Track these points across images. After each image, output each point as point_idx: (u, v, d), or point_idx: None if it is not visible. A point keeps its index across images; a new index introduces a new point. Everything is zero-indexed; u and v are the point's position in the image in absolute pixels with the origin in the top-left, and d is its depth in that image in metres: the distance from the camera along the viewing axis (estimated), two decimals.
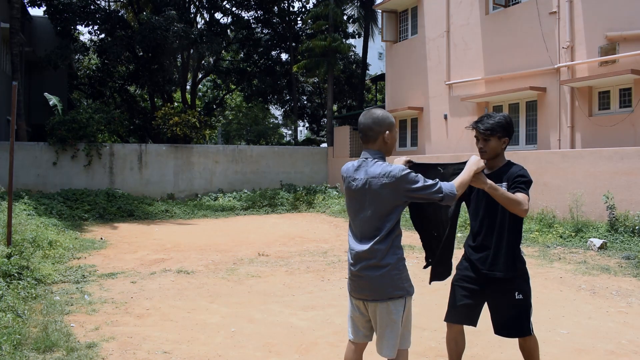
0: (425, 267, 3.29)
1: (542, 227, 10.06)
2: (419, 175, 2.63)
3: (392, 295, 2.65)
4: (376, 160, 2.71)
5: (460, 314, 3.21)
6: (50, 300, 5.51)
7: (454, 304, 3.23)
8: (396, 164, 2.84)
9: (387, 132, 2.77)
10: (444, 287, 6.64)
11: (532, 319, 3.17)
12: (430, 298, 5.90)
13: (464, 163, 2.95)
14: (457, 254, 3.22)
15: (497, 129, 3.09)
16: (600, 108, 11.50)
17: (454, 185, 2.68)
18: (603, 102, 11.45)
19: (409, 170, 2.62)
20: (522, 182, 3.02)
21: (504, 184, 3.05)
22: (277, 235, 11.31)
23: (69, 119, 16.07)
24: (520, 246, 3.22)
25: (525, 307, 3.10)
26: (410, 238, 10.66)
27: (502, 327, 3.16)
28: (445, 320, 3.29)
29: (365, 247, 2.66)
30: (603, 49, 11.16)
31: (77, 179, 16.37)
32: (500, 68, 13.63)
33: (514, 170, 3.09)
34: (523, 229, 3.29)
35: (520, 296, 3.08)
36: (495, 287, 3.12)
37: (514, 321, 3.11)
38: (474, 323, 3.21)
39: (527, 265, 3.23)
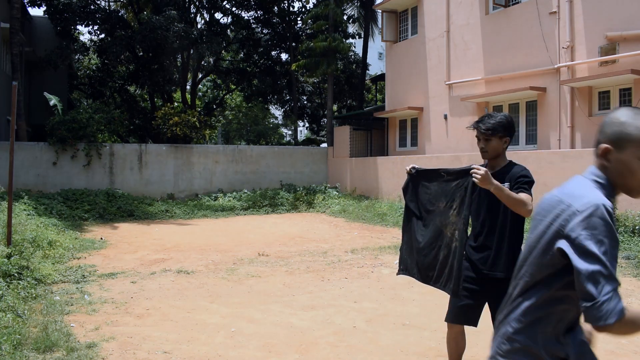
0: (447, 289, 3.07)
1: None
2: (606, 241, 1.46)
3: None
4: (586, 181, 1.63)
5: (460, 314, 3.21)
6: (50, 300, 5.51)
7: (455, 304, 3.22)
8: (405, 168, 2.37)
9: None
10: None
11: None
12: (430, 298, 5.90)
13: (469, 168, 2.91)
14: None
15: (498, 129, 3.09)
16: (600, 108, 11.49)
17: (625, 313, 1.42)
18: (603, 102, 11.45)
19: (603, 220, 1.47)
20: (525, 182, 3.01)
21: (507, 184, 3.05)
22: (277, 235, 11.30)
23: (69, 119, 16.07)
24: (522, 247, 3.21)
25: None
26: None
27: None
28: (445, 321, 3.29)
29: None
30: (603, 49, 11.16)
31: (77, 179, 16.37)
32: (500, 68, 13.63)
33: (516, 170, 3.08)
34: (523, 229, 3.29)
35: None
36: (496, 288, 3.11)
37: None
38: (474, 323, 3.21)
39: None
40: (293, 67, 21.60)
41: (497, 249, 3.09)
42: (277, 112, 35.02)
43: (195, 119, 18.81)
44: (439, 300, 5.80)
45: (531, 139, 13.04)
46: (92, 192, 15.62)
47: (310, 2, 25.01)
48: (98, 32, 21.83)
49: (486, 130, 3.11)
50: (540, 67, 12.45)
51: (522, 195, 2.92)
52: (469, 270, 3.20)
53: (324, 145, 26.12)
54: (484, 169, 2.84)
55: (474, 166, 2.86)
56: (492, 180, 2.83)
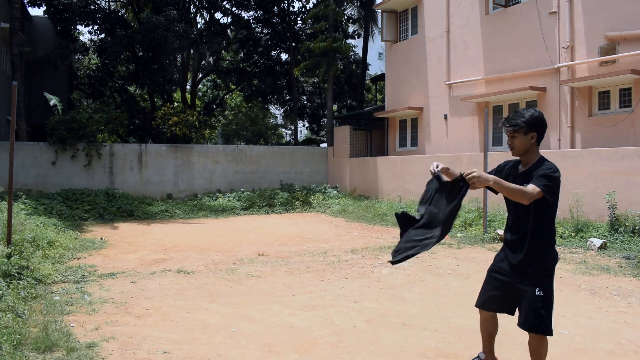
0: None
1: None
2: None
3: None
4: None
5: (488, 302, 3.40)
6: (50, 300, 5.51)
7: (485, 292, 3.42)
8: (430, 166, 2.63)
9: None
10: (444, 287, 6.65)
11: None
12: (430, 298, 5.91)
13: (460, 175, 3.00)
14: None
15: (521, 125, 3.16)
16: (600, 108, 11.50)
17: None
18: (603, 102, 11.45)
19: None
20: (540, 175, 3.04)
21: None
22: (277, 235, 11.30)
23: (69, 118, 16.07)
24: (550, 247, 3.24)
25: (545, 304, 3.12)
26: None
27: (521, 318, 3.22)
28: (475, 306, 3.50)
29: None
30: (603, 49, 11.16)
31: (77, 178, 16.37)
32: (500, 68, 13.63)
33: (542, 167, 3.12)
34: None
35: (541, 293, 3.12)
36: (523, 281, 3.19)
37: (531, 314, 3.14)
38: (508, 311, 3.36)
39: None
40: (295, 72, 21.59)
41: (529, 249, 3.17)
42: (277, 112, 35.01)
43: (195, 118, 18.81)
44: (439, 300, 5.81)
45: None
46: (92, 192, 15.62)
47: (310, 2, 25.00)
48: (98, 32, 21.83)
49: (510, 126, 3.20)
50: (540, 67, 12.45)
51: (526, 186, 2.95)
52: (503, 261, 3.32)
53: (324, 145, 26.12)
54: (474, 169, 2.92)
55: (463, 173, 2.95)
56: (486, 177, 2.87)
